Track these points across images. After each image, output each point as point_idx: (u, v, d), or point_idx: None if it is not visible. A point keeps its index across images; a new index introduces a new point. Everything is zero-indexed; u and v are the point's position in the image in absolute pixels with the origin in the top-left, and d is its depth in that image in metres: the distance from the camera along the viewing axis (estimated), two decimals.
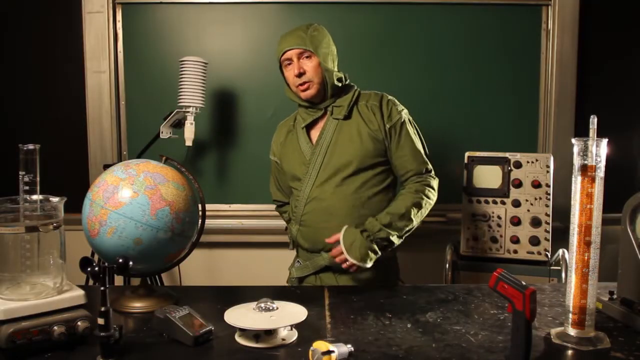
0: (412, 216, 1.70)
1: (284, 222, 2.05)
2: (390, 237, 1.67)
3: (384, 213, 1.70)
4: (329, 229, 1.71)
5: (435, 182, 1.81)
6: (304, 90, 1.76)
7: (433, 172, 1.83)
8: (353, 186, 1.74)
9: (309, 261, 1.82)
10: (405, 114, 1.82)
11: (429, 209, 1.78)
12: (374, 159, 1.76)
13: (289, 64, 1.77)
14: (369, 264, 1.65)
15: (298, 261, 1.89)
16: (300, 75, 1.73)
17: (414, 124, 1.85)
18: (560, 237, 2.22)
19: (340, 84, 1.79)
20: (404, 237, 1.72)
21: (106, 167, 1.66)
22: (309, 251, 1.83)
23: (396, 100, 1.84)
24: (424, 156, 1.81)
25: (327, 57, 1.77)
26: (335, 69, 1.81)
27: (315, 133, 1.83)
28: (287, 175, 1.88)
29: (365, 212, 1.73)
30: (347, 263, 1.64)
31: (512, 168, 2.25)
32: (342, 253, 1.65)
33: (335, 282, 1.78)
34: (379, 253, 1.67)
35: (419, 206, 1.73)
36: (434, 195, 1.79)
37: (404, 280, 1.93)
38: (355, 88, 1.85)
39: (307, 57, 1.74)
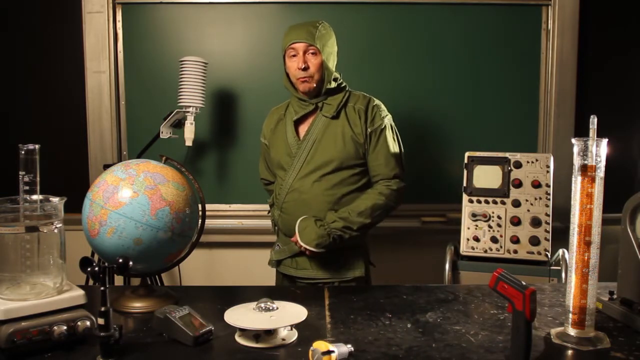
0: (369, 214, 1.82)
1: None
2: (345, 229, 1.80)
3: (345, 208, 1.83)
4: None
5: (400, 187, 1.89)
6: (304, 83, 1.84)
7: (401, 177, 1.92)
8: (330, 183, 1.85)
9: (287, 246, 1.94)
10: (387, 119, 1.92)
11: (390, 211, 1.89)
12: (354, 160, 1.87)
13: (294, 56, 1.84)
14: (317, 249, 1.79)
15: (277, 245, 2.01)
16: (304, 69, 1.81)
17: (394, 130, 1.94)
18: (560, 237, 2.22)
19: (334, 84, 1.89)
20: (359, 231, 1.83)
21: (106, 167, 1.66)
22: (286, 235, 1.94)
23: (382, 105, 1.93)
24: (395, 162, 1.90)
25: (329, 57, 1.87)
26: (334, 69, 1.89)
27: (303, 128, 1.92)
28: (273, 162, 1.98)
29: (339, 207, 1.85)
30: (302, 247, 1.81)
31: (512, 168, 2.25)
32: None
33: (309, 266, 1.91)
34: (331, 241, 1.80)
35: (379, 207, 1.84)
36: (396, 199, 1.88)
37: (406, 280, 1.93)
38: (347, 89, 1.94)
39: (312, 53, 1.83)
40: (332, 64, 1.87)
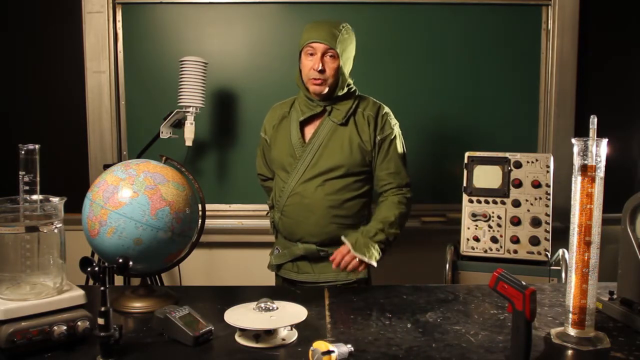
0: (399, 224, 1.78)
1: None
2: (386, 241, 1.73)
3: (375, 221, 1.76)
4: (307, 224, 1.81)
5: (411, 195, 1.88)
6: (315, 85, 1.77)
7: (410, 186, 1.89)
8: (334, 188, 1.80)
9: (287, 249, 1.90)
10: (397, 128, 1.88)
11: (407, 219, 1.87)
12: (359, 167, 1.83)
13: (311, 54, 1.77)
14: (374, 262, 1.67)
15: (277, 249, 1.96)
16: (321, 71, 1.75)
17: (401, 138, 1.91)
18: (560, 237, 2.22)
19: (345, 90, 1.83)
20: (391, 244, 1.76)
21: (106, 167, 1.66)
22: (287, 239, 1.91)
23: (391, 113, 1.89)
24: (406, 172, 1.88)
25: (347, 62, 1.81)
26: (348, 75, 1.83)
27: (309, 129, 1.87)
28: (274, 161, 1.92)
29: (341, 212, 1.81)
30: (354, 262, 1.64)
31: (512, 168, 2.25)
32: (347, 253, 1.65)
33: (310, 270, 1.86)
34: (381, 253, 1.70)
35: (403, 216, 1.81)
36: (410, 207, 1.87)
37: (406, 280, 1.93)
38: (357, 94, 1.89)
39: (331, 56, 1.75)
40: (347, 69, 1.81)
